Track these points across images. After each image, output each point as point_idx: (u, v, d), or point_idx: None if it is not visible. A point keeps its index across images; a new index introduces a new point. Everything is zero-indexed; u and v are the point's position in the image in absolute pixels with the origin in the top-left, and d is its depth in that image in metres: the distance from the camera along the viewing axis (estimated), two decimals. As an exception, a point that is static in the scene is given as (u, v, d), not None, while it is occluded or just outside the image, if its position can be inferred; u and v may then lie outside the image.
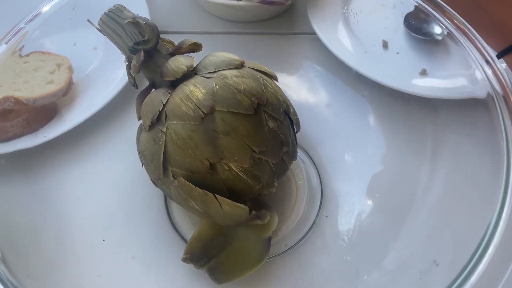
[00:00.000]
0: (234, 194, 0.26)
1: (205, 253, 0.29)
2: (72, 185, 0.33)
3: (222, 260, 0.28)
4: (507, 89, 0.28)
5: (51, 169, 0.33)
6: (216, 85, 0.25)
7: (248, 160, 0.25)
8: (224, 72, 0.26)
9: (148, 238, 0.31)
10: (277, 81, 0.30)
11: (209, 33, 0.45)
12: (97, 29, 0.28)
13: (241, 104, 0.25)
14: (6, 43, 0.31)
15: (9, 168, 0.31)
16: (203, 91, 0.25)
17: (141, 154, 0.28)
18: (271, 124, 0.26)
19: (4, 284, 0.22)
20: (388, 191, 0.33)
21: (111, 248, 0.30)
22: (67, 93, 0.37)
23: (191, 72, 0.27)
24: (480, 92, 0.30)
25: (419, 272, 0.26)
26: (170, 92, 0.26)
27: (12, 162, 0.32)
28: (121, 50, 0.28)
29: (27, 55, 0.36)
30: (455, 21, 0.32)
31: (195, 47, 0.29)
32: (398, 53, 0.40)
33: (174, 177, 0.26)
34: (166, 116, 0.25)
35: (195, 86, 0.25)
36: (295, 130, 0.30)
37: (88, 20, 0.29)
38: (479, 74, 0.30)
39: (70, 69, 0.38)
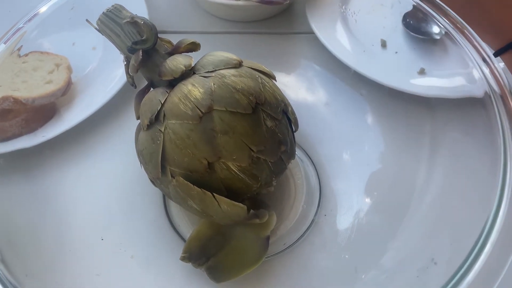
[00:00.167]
0: (232, 193, 0.26)
1: (203, 252, 0.29)
2: (71, 184, 0.33)
3: (220, 259, 0.28)
4: (504, 88, 0.28)
5: (50, 168, 0.33)
6: (214, 84, 0.25)
7: (246, 159, 0.25)
8: (222, 71, 0.26)
9: (147, 237, 0.31)
10: (276, 80, 0.30)
11: (208, 32, 0.45)
12: (96, 29, 0.28)
13: (239, 103, 0.25)
14: (4, 43, 0.31)
15: (8, 168, 0.31)
16: (201, 90, 0.25)
17: (140, 153, 0.28)
18: (269, 123, 0.26)
19: (3, 283, 0.22)
20: (386, 189, 0.33)
21: (110, 247, 0.30)
22: (66, 93, 0.37)
23: (189, 72, 0.27)
24: (478, 91, 0.30)
25: (417, 270, 0.26)
26: (168, 91, 0.26)
27: (11, 162, 0.32)
28: (119, 50, 0.28)
29: (26, 55, 0.36)
30: (453, 20, 0.32)
31: (193, 47, 0.29)
32: (396, 52, 0.40)
33: (173, 176, 0.26)
34: (164, 115, 0.25)
35: (193, 85, 0.25)
36: (293, 129, 0.30)
37: (87, 20, 0.29)
38: (476, 73, 0.30)
39: (69, 69, 0.38)
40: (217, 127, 0.25)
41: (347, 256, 0.30)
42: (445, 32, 0.33)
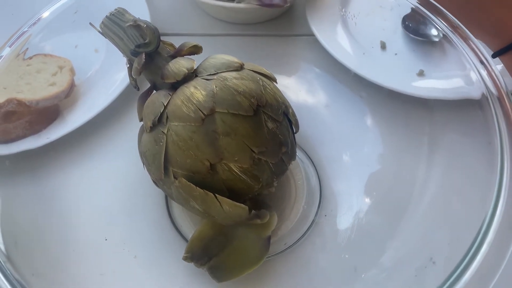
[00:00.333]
0: (234, 194, 0.27)
1: (205, 252, 0.29)
2: (75, 185, 0.33)
3: (222, 259, 0.29)
4: (501, 89, 0.29)
5: (54, 169, 0.34)
6: (216, 87, 0.26)
7: (248, 161, 0.26)
8: (224, 74, 0.27)
9: (150, 237, 0.32)
10: (276, 82, 0.30)
11: (209, 35, 0.45)
12: (99, 32, 0.29)
13: (241, 105, 0.26)
14: (9, 46, 0.32)
15: (13, 169, 0.31)
16: (203, 93, 0.26)
17: (143, 155, 0.28)
18: (270, 125, 0.27)
19: (11, 283, 0.22)
20: (385, 190, 0.33)
21: (114, 247, 0.30)
22: (69, 95, 0.38)
23: (192, 74, 0.27)
24: (475, 92, 0.30)
25: (415, 269, 0.26)
26: (171, 94, 0.26)
27: (16, 163, 0.32)
28: (122, 53, 0.29)
29: (30, 57, 0.36)
30: (451, 23, 0.33)
31: (195, 50, 0.29)
32: (396, 54, 0.41)
33: (175, 178, 0.26)
34: (167, 117, 0.26)
35: (195, 88, 0.26)
36: (294, 131, 0.31)
37: (90, 23, 0.29)
38: (474, 75, 0.30)
39: (72, 71, 0.39)
40: (219, 129, 0.25)
41: (347, 256, 0.30)
42: (443, 35, 0.33)
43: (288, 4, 0.41)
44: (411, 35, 0.40)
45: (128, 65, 0.29)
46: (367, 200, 0.33)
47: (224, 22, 0.46)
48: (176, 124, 0.25)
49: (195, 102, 0.25)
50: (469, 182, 0.29)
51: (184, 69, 0.27)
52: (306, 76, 0.42)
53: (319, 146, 0.37)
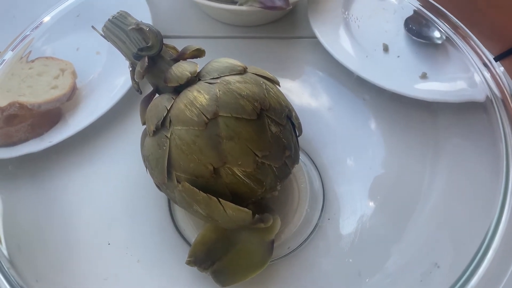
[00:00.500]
0: (237, 198, 0.27)
1: (209, 256, 0.29)
2: (77, 188, 0.33)
3: (225, 263, 0.29)
4: (505, 92, 0.29)
5: (56, 173, 0.33)
6: (219, 90, 0.26)
7: (251, 164, 0.26)
8: (227, 78, 0.27)
9: (153, 241, 0.32)
10: (279, 86, 0.30)
11: (211, 37, 0.45)
12: (102, 35, 0.29)
13: (244, 109, 0.25)
14: (12, 50, 0.32)
15: (15, 173, 0.31)
16: (206, 96, 0.25)
17: (146, 158, 0.28)
18: (273, 128, 0.27)
19: None
20: (389, 194, 0.33)
21: (117, 252, 0.30)
22: (71, 98, 0.38)
23: (195, 78, 0.27)
24: (479, 95, 0.30)
25: (420, 274, 0.26)
26: (174, 97, 0.26)
27: (18, 167, 0.32)
28: (125, 56, 0.29)
29: (32, 61, 0.36)
30: (454, 25, 0.33)
31: (198, 53, 0.29)
32: (398, 56, 0.41)
33: (178, 182, 0.26)
34: (170, 121, 0.26)
35: (198, 92, 0.26)
36: (297, 134, 0.31)
37: (92, 27, 0.29)
38: (477, 78, 0.30)
39: (74, 74, 0.39)
40: (223, 133, 0.25)
41: (351, 260, 0.30)
42: (446, 37, 0.33)
43: (290, 7, 0.41)
44: (414, 38, 0.40)
45: (130, 69, 0.29)
46: (371, 203, 0.33)
47: (226, 25, 0.46)
48: (180, 128, 0.25)
49: (198, 106, 0.25)
50: (474, 186, 0.29)
51: (187, 73, 0.27)
52: (309, 79, 0.41)
53: (322, 149, 0.37)
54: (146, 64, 0.27)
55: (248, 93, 0.26)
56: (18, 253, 0.25)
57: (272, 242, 0.29)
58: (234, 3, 0.41)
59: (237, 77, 0.27)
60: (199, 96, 0.26)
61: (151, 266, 0.30)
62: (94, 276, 0.29)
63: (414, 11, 0.35)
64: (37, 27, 0.33)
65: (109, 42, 0.29)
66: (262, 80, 0.28)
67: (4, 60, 0.31)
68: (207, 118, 0.25)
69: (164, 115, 0.26)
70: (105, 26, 0.28)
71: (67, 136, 0.35)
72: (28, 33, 0.33)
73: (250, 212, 0.26)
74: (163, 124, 0.26)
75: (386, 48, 0.41)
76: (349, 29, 0.42)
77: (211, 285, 0.28)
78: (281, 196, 0.33)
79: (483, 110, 0.29)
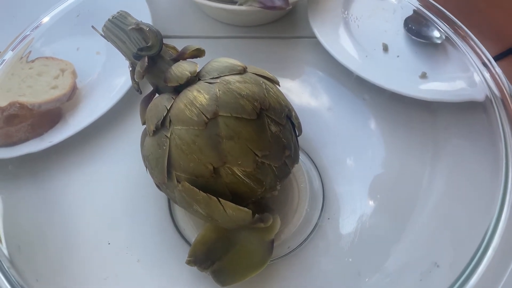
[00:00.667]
0: (237, 197, 0.27)
1: (209, 256, 0.29)
2: (77, 189, 0.33)
3: (225, 262, 0.29)
4: (505, 91, 0.29)
5: (56, 173, 0.34)
6: (219, 90, 0.26)
7: (251, 164, 0.26)
8: (227, 77, 0.27)
9: (153, 241, 0.32)
10: (279, 85, 0.30)
11: (211, 37, 0.45)
12: (102, 35, 0.29)
13: (244, 109, 0.25)
14: (12, 50, 0.32)
15: (15, 173, 0.31)
16: (206, 96, 0.26)
17: (146, 158, 0.28)
18: (273, 128, 0.27)
19: None
20: (389, 193, 0.33)
21: (117, 251, 0.30)
22: (71, 98, 0.38)
23: (195, 78, 0.27)
24: (479, 94, 0.30)
25: (420, 274, 0.26)
26: (174, 97, 0.26)
27: (19, 167, 0.32)
28: (125, 56, 0.29)
29: (32, 61, 0.36)
30: (453, 25, 0.33)
31: (198, 53, 0.29)
32: (398, 56, 0.41)
33: (178, 181, 0.26)
34: (170, 121, 0.26)
35: (198, 91, 0.26)
36: (297, 134, 0.31)
37: (92, 27, 0.29)
38: (477, 77, 0.30)
39: (74, 74, 0.39)
40: (223, 133, 0.25)
41: (350, 260, 0.30)
42: (446, 37, 0.33)
43: (290, 7, 0.41)
44: (414, 37, 0.40)
45: (130, 69, 0.29)
46: (371, 203, 0.33)
47: (225, 25, 0.46)
48: (179, 128, 0.25)
49: (198, 105, 0.25)
50: (473, 185, 0.29)
51: (187, 73, 0.27)
52: (309, 79, 0.41)
53: (322, 149, 0.37)
54: (146, 64, 0.27)
55: (248, 92, 0.26)
56: (18, 252, 0.25)
57: (272, 241, 0.29)
58: (234, 3, 0.41)
59: (237, 77, 0.27)
60: (199, 95, 0.26)
61: (151, 266, 0.30)
62: (94, 275, 0.29)
63: (414, 10, 0.35)
64: (37, 27, 0.33)
65: (109, 42, 0.29)
66: (262, 80, 0.28)
67: (4, 60, 0.31)
68: (207, 117, 0.25)
69: (164, 115, 0.26)
70: (105, 26, 0.28)
71: (67, 136, 0.35)
72: (28, 33, 0.33)
73: (250, 211, 0.26)
74: (163, 124, 0.26)
75: (385, 48, 0.41)
76: (349, 29, 0.42)
77: (211, 284, 0.28)
78: (281, 196, 0.33)
79: (482, 110, 0.29)
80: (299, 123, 0.30)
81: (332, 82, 0.40)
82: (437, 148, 0.33)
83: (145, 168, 0.29)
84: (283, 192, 0.34)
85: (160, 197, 0.33)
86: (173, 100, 0.26)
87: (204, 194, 0.25)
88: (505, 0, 0.31)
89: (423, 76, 0.38)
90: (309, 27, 0.42)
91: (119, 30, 0.28)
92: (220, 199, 0.26)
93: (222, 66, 0.28)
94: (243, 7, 0.41)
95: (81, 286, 0.28)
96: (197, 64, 0.28)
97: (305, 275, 0.30)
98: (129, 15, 0.29)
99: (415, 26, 0.40)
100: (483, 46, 0.31)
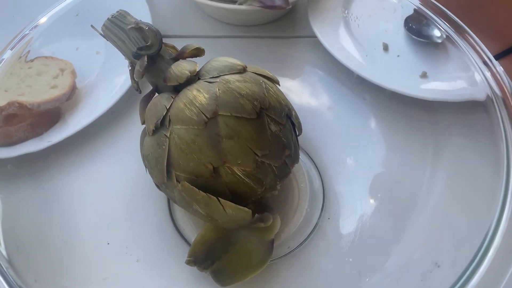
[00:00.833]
0: (237, 197, 0.26)
1: (208, 255, 0.29)
2: (76, 188, 0.33)
3: (225, 262, 0.29)
4: (506, 91, 0.29)
5: (55, 173, 0.33)
6: (219, 89, 0.26)
7: (251, 164, 0.26)
8: (226, 77, 0.27)
9: (152, 241, 0.32)
10: (279, 85, 0.30)
11: (210, 37, 0.45)
12: (101, 34, 0.29)
13: (244, 108, 0.25)
14: (11, 49, 0.31)
15: (14, 172, 0.31)
16: (206, 96, 0.25)
17: (145, 158, 0.28)
18: (273, 127, 0.26)
19: None
20: (389, 193, 0.33)
21: (116, 251, 0.30)
22: (71, 98, 0.38)
23: (194, 77, 0.27)
24: (480, 94, 0.30)
25: (420, 274, 0.26)
26: (173, 96, 0.26)
27: (18, 166, 0.32)
28: (124, 55, 0.29)
29: (32, 60, 0.36)
30: (454, 24, 0.32)
31: (197, 52, 0.29)
32: (398, 55, 0.41)
33: (178, 181, 0.26)
34: (169, 120, 0.26)
35: (198, 91, 0.26)
36: (297, 134, 0.31)
37: (92, 26, 0.29)
38: (478, 77, 0.30)
39: (74, 73, 0.39)
40: (222, 132, 0.25)
41: (351, 260, 0.30)
42: (446, 36, 0.33)
43: (290, 6, 0.41)
44: (414, 37, 0.40)
45: (130, 68, 0.29)
46: (371, 203, 0.33)
47: (225, 24, 0.46)
48: (179, 127, 0.25)
49: (198, 105, 0.25)
50: (474, 185, 0.29)
51: (187, 72, 0.26)
52: (309, 78, 0.41)
53: (322, 148, 0.36)
54: (146, 63, 0.27)
55: (247, 92, 0.26)
56: (17, 253, 0.25)
57: (272, 241, 0.29)
58: (234, 2, 0.41)
59: (236, 76, 0.27)
60: (199, 95, 0.26)
61: (151, 266, 0.30)
62: (93, 275, 0.29)
63: (414, 10, 0.35)
64: (36, 26, 0.33)
65: (108, 42, 0.29)
66: (261, 79, 0.28)
67: (3, 59, 0.31)
68: (206, 117, 0.25)
69: (164, 114, 0.26)
70: (104, 25, 0.28)
71: (67, 135, 0.35)
72: (27, 32, 0.33)
73: (250, 211, 0.26)
74: (162, 123, 0.26)
75: (386, 47, 0.41)
76: (349, 28, 0.42)
77: (211, 285, 0.28)
78: (281, 196, 0.33)
79: (483, 109, 0.29)
80: (299, 123, 0.30)
81: (332, 82, 0.40)
82: (438, 148, 0.33)
83: (144, 167, 0.29)
84: (283, 191, 0.34)
85: (159, 197, 0.33)
86: (172, 100, 0.26)
87: (204, 193, 0.25)
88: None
89: (424, 75, 0.38)
90: (309, 26, 0.42)
91: (118, 29, 0.28)
92: (219, 198, 0.25)
93: (222, 65, 0.27)
94: (243, 7, 0.41)
95: (81, 286, 0.28)
96: (197, 64, 0.27)
97: (305, 275, 0.30)
98: (129, 14, 0.28)
99: (416, 25, 0.40)
100: (484, 44, 0.31)
